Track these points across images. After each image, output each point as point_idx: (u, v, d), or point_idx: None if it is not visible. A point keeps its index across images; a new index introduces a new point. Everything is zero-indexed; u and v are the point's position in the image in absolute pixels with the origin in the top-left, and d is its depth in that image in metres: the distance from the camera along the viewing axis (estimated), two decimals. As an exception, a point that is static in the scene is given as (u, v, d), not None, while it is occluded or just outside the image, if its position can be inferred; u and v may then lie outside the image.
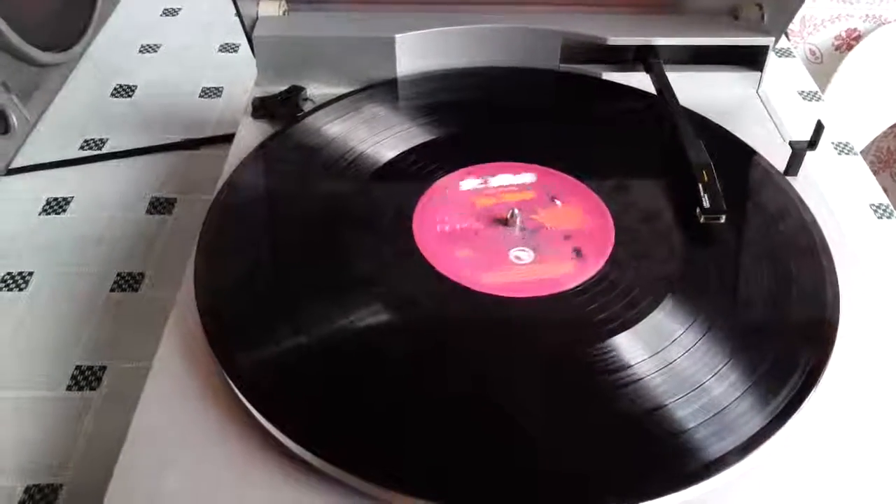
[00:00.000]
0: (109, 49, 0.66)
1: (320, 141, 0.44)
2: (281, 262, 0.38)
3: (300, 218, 0.39)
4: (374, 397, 0.31)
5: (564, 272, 0.36)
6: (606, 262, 0.36)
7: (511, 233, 0.38)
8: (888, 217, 0.51)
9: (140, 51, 0.67)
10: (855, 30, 0.80)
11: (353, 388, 0.32)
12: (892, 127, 0.83)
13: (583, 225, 0.38)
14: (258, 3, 0.49)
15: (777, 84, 0.62)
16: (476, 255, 0.37)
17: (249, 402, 0.31)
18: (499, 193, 0.40)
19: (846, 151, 0.56)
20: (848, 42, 0.80)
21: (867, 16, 0.79)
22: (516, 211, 0.38)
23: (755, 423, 0.30)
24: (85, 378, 0.41)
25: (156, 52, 0.67)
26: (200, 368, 0.33)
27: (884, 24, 0.79)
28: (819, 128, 0.42)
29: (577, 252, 0.37)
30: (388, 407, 0.31)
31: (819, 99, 0.61)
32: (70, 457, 0.38)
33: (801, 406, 0.31)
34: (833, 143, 0.57)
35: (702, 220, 0.38)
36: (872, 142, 0.84)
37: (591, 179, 0.41)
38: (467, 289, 0.35)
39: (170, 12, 0.72)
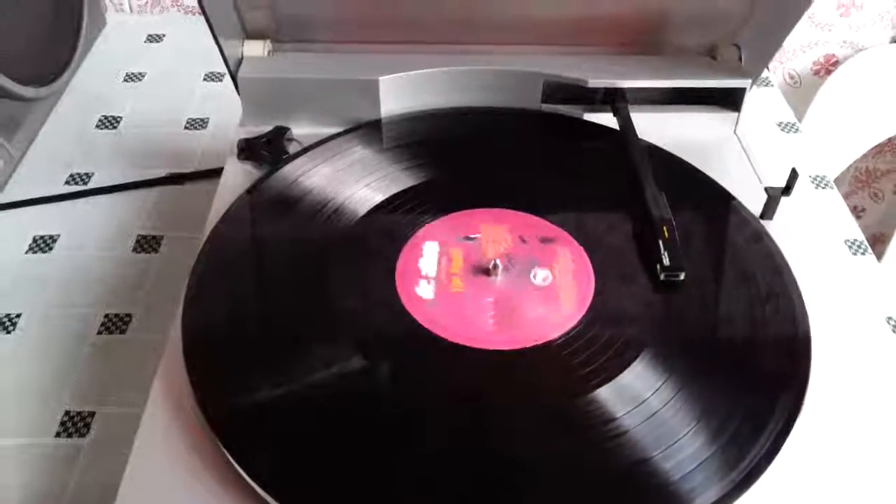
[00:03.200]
0: (94, 78, 0.67)
1: (303, 188, 0.44)
2: (265, 314, 0.38)
3: (283, 269, 0.40)
4: (351, 453, 0.32)
5: (558, 314, 0.37)
6: (587, 311, 0.37)
7: (493, 283, 0.39)
8: (862, 254, 0.52)
9: (125, 79, 0.67)
10: (833, 55, 0.81)
11: (336, 445, 0.32)
12: (871, 149, 0.85)
13: (565, 274, 0.39)
14: (243, 44, 0.50)
15: (756, 115, 0.64)
16: (459, 307, 0.37)
17: (234, 460, 0.31)
18: (482, 243, 0.41)
19: (822, 185, 0.57)
20: (826, 67, 0.82)
21: (844, 42, 0.80)
22: (498, 262, 0.39)
23: (730, 479, 0.31)
24: (74, 424, 0.41)
25: (140, 80, 0.67)
26: (189, 423, 0.33)
27: (860, 50, 0.80)
28: (794, 175, 0.43)
29: (563, 291, 0.38)
30: (366, 462, 0.32)
31: (797, 130, 0.63)
32: (59, 506, 0.38)
33: (778, 455, 0.32)
34: (810, 176, 0.58)
35: (662, 277, 0.38)
36: (852, 164, 0.85)
37: (570, 227, 0.42)
38: (450, 342, 0.36)
39: (154, 38, 0.72)
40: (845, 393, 0.35)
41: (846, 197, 0.94)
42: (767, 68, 0.65)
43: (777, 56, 0.81)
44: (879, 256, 0.82)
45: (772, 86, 0.67)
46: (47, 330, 0.47)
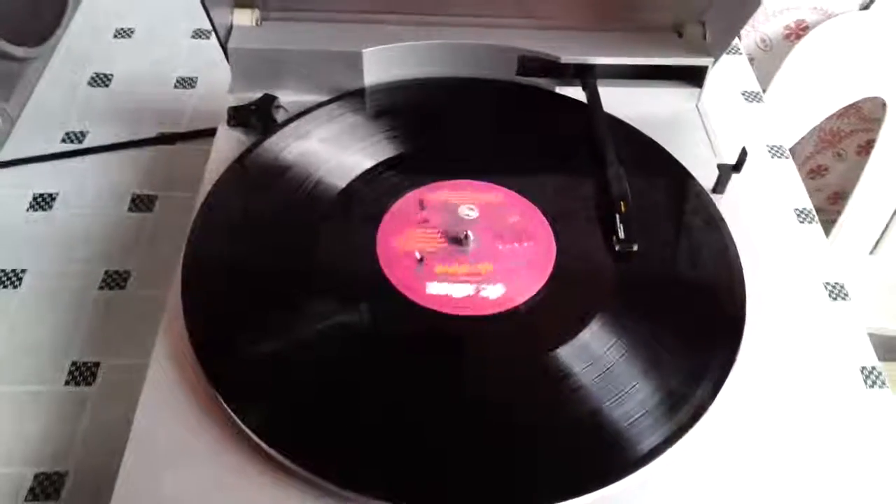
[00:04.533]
0: (84, 35, 0.68)
1: (291, 155, 0.47)
2: (258, 276, 0.42)
3: (273, 233, 0.43)
4: (341, 404, 0.36)
5: (523, 280, 0.41)
6: (554, 264, 0.41)
7: (464, 252, 0.42)
8: (809, 222, 0.56)
9: (115, 35, 0.69)
10: (803, 21, 0.84)
11: (327, 397, 0.37)
12: (836, 111, 0.88)
13: (529, 243, 0.43)
14: (232, 13, 0.52)
15: (721, 84, 0.67)
16: (443, 280, 0.41)
17: (231, 408, 0.35)
18: (449, 212, 0.44)
19: (779, 155, 0.61)
20: (797, 32, 0.84)
21: (815, 8, 0.83)
22: (470, 233, 0.42)
23: (672, 423, 0.36)
24: (81, 373, 0.45)
25: (130, 37, 0.69)
26: (190, 374, 0.37)
27: (831, 16, 0.83)
28: (743, 153, 0.46)
29: (528, 261, 0.42)
30: (355, 412, 0.36)
31: (760, 100, 0.66)
32: (71, 447, 0.43)
33: (713, 404, 0.37)
34: (768, 146, 0.62)
35: (617, 248, 0.42)
36: (818, 125, 0.89)
37: (535, 197, 0.45)
38: (415, 303, 0.40)
39: (142, -8, 0.74)
40: (776, 348, 0.40)
41: (811, 156, 0.98)
42: (738, 36, 0.68)
43: (749, 21, 0.84)
44: (839, 214, 0.87)
45: (740, 54, 0.70)
46: (51, 285, 0.50)
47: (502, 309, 0.40)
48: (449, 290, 0.41)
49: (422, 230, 0.43)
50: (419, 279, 0.41)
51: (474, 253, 0.42)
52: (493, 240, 0.43)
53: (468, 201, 0.45)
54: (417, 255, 0.42)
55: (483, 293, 0.41)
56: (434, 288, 0.41)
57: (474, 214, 0.44)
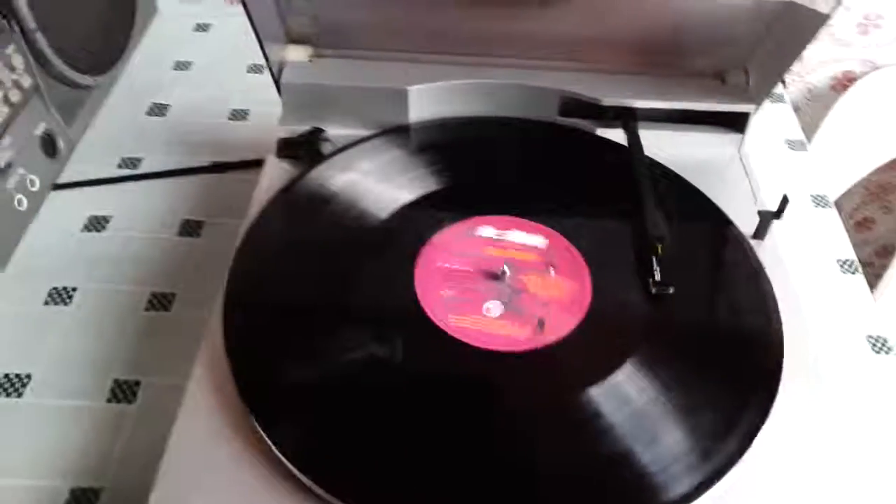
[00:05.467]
0: (145, 66, 0.71)
1: (335, 186, 0.49)
2: (296, 302, 0.43)
3: (315, 262, 0.44)
4: (376, 435, 0.37)
5: (519, 335, 0.40)
6: (563, 338, 0.41)
7: (496, 287, 0.43)
8: (852, 273, 0.55)
9: (173, 68, 0.72)
10: (851, 72, 0.83)
11: (353, 424, 0.37)
12: (883, 163, 0.87)
13: (562, 299, 0.43)
14: (286, 49, 0.54)
15: (766, 132, 0.67)
16: (456, 296, 0.42)
17: (266, 434, 0.36)
18: (504, 248, 0.45)
19: (822, 205, 0.61)
20: (843, 83, 0.84)
21: (863, 60, 0.82)
22: (506, 268, 0.43)
23: (702, 472, 0.35)
24: (122, 391, 0.47)
25: (188, 69, 0.72)
26: (226, 398, 0.38)
27: (878, 68, 0.82)
28: (784, 200, 0.46)
29: (541, 324, 0.41)
30: (391, 444, 0.36)
31: (804, 149, 0.66)
32: (109, 463, 0.44)
33: (746, 453, 0.36)
34: (812, 195, 0.61)
35: (653, 291, 0.42)
36: (865, 176, 0.88)
37: (572, 236, 0.46)
38: (436, 327, 0.40)
39: (202, 27, 0.77)
40: (813, 400, 0.39)
41: (857, 208, 0.97)
42: (783, 83, 0.68)
43: (797, 70, 0.84)
44: (886, 267, 0.85)
45: (785, 102, 0.70)
46: (99, 304, 0.52)
47: (536, 346, 0.40)
48: (483, 325, 0.41)
49: (459, 264, 0.44)
50: (455, 313, 0.41)
51: (510, 289, 0.43)
52: (530, 277, 0.43)
53: (505, 238, 0.46)
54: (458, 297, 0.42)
55: (518, 330, 0.41)
56: (468, 322, 0.41)
57: (512, 250, 0.45)
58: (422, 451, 0.36)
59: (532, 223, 0.46)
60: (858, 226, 0.98)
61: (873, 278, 0.84)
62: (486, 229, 0.46)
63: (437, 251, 0.45)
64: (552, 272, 0.44)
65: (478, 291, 0.42)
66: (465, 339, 0.40)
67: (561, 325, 0.41)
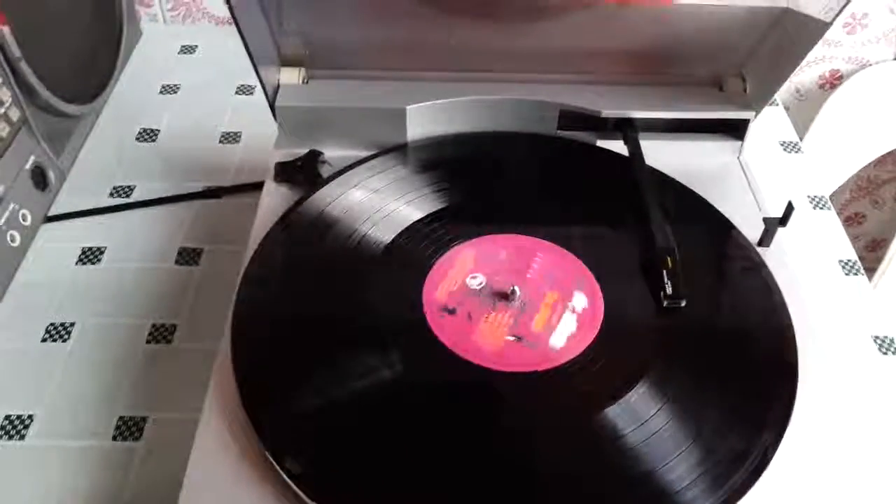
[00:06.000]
0: (132, 90, 0.70)
1: (336, 210, 0.48)
2: (305, 331, 0.42)
3: (320, 289, 0.44)
4: (392, 464, 0.36)
5: (532, 354, 0.40)
6: (577, 357, 0.40)
7: (509, 307, 0.42)
8: (855, 273, 0.56)
9: (161, 91, 0.71)
10: (838, 70, 0.84)
11: (370, 453, 0.37)
12: (873, 159, 0.88)
13: (576, 298, 0.43)
14: (279, 72, 0.53)
15: (760, 135, 0.67)
16: (465, 317, 0.41)
17: (282, 468, 0.35)
18: (501, 269, 0.44)
19: (820, 206, 0.61)
20: (831, 81, 0.85)
21: (849, 58, 0.83)
22: (516, 289, 0.43)
23: (723, 491, 0.35)
24: (128, 428, 0.46)
25: (176, 92, 0.71)
26: (240, 432, 0.37)
27: (865, 66, 0.83)
28: (790, 207, 0.46)
29: (576, 318, 0.41)
30: (406, 473, 0.36)
31: (798, 150, 0.66)
32: (119, 503, 0.43)
33: (766, 470, 0.36)
34: (809, 197, 0.61)
35: (665, 304, 0.42)
36: (855, 172, 0.88)
37: (580, 251, 0.45)
38: (460, 358, 0.40)
39: (187, 49, 0.76)
40: (830, 410, 0.39)
41: (848, 203, 0.98)
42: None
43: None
44: (878, 262, 0.86)
45: (777, 105, 0.70)
46: (98, 339, 0.51)
47: (550, 366, 0.40)
48: (495, 346, 0.40)
49: (468, 284, 0.43)
50: (465, 334, 0.41)
51: (520, 308, 0.42)
52: (540, 295, 0.43)
53: (512, 255, 0.45)
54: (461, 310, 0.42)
55: (529, 349, 0.40)
56: (480, 343, 0.41)
57: (523, 269, 0.44)
58: (443, 476, 0.36)
59: (539, 240, 0.46)
60: (849, 221, 0.99)
61: (867, 272, 0.85)
62: (493, 249, 0.45)
63: (444, 272, 0.44)
64: (563, 297, 0.43)
65: (487, 311, 0.42)
66: (477, 361, 0.40)
67: (575, 343, 0.41)
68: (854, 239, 1.00)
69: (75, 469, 0.44)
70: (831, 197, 0.95)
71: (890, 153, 0.88)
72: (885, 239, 0.92)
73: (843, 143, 0.83)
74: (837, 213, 0.60)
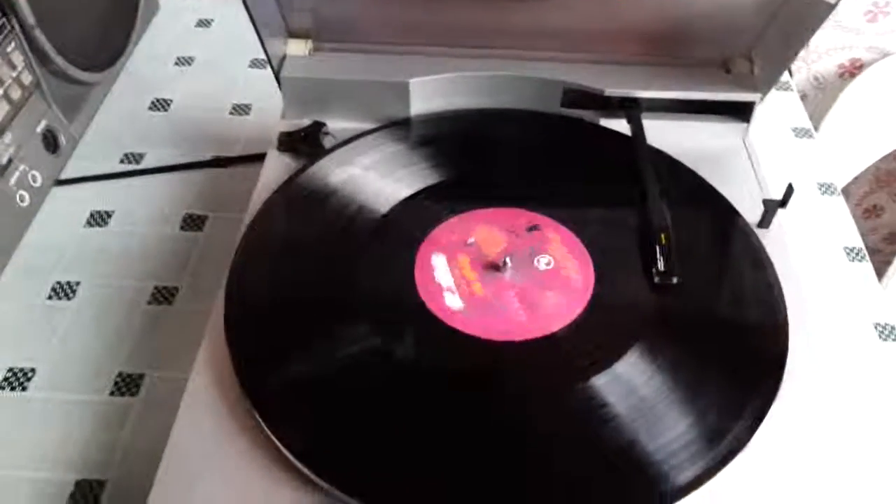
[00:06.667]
0: (147, 62, 0.71)
1: (336, 180, 0.48)
2: (297, 296, 0.43)
3: (315, 256, 0.44)
4: (374, 426, 0.37)
5: (563, 308, 0.41)
6: (566, 327, 0.41)
7: (505, 278, 0.43)
8: (860, 260, 0.55)
9: (175, 63, 0.72)
10: (858, 59, 0.82)
11: (352, 415, 0.37)
12: (892, 151, 0.86)
13: (569, 271, 0.43)
14: (286, 43, 0.54)
15: (772, 120, 0.66)
16: (481, 307, 0.41)
17: (267, 426, 0.36)
18: (487, 241, 0.45)
19: (829, 193, 0.60)
20: (851, 70, 0.83)
21: (870, 47, 0.81)
22: (508, 259, 0.43)
23: (712, 456, 0.35)
24: (126, 384, 0.47)
25: (190, 64, 0.72)
26: (228, 390, 0.38)
27: (886, 55, 0.81)
28: (790, 189, 0.46)
29: (568, 286, 0.42)
30: (389, 435, 0.36)
31: (811, 137, 0.65)
32: (114, 456, 0.44)
33: (745, 447, 0.36)
34: (818, 183, 0.61)
35: (656, 280, 0.42)
36: (873, 164, 0.87)
37: (576, 227, 0.45)
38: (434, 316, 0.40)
39: (203, 23, 0.77)
40: (820, 387, 0.39)
41: (866, 196, 0.96)
42: (790, 72, 0.67)
43: (803, 57, 0.83)
44: (892, 255, 0.85)
45: (791, 90, 0.69)
46: (103, 298, 0.52)
47: (539, 335, 0.40)
48: (486, 316, 0.41)
49: (461, 256, 0.44)
50: (457, 304, 0.41)
51: (512, 279, 0.43)
52: (532, 267, 0.43)
53: (509, 229, 0.45)
54: (452, 285, 0.42)
55: (520, 319, 0.41)
56: (471, 313, 0.41)
57: (512, 242, 0.44)
58: (425, 441, 0.36)
59: (534, 214, 0.46)
60: (867, 213, 0.97)
61: (882, 265, 0.84)
62: (486, 223, 0.46)
63: (439, 244, 0.44)
64: (556, 269, 0.44)
65: (480, 282, 0.42)
66: (469, 331, 0.40)
67: (565, 313, 0.41)
68: (872, 231, 0.99)
69: (73, 421, 0.45)
70: (849, 189, 0.94)
71: (910, 145, 0.87)
72: (904, 233, 0.91)
73: (861, 133, 0.82)
74: (855, 206, 0.59)
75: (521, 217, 0.46)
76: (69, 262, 0.54)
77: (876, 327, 0.51)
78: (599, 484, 0.35)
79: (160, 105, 0.67)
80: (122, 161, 0.62)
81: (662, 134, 0.51)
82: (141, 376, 0.47)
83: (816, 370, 0.39)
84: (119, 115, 0.66)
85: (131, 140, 0.64)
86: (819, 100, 0.84)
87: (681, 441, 0.36)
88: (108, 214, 0.57)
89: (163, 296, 0.52)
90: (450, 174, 0.49)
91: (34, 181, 0.56)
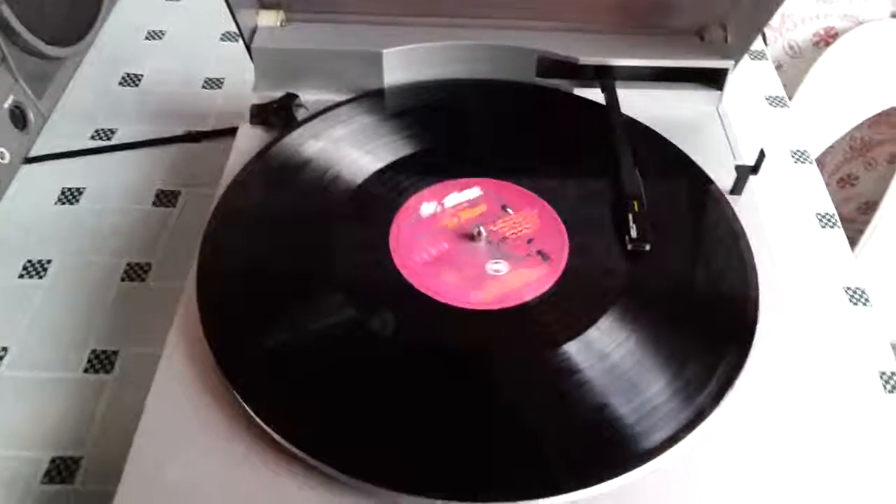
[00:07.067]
0: (117, 36, 0.70)
1: (309, 152, 0.48)
2: (271, 269, 0.43)
3: (288, 228, 0.44)
4: (347, 395, 0.37)
5: (538, 276, 0.41)
6: (540, 295, 0.41)
7: (479, 247, 0.43)
8: (831, 227, 0.55)
9: (146, 37, 0.70)
10: (833, 28, 0.83)
11: (326, 385, 0.37)
12: (867, 119, 0.87)
13: (542, 240, 0.43)
14: (257, 14, 0.53)
15: (746, 88, 0.66)
16: (456, 276, 0.41)
17: (241, 397, 0.36)
18: (460, 211, 0.45)
19: (802, 160, 0.60)
20: (826, 39, 0.83)
21: (845, 15, 0.82)
22: (482, 229, 0.43)
23: (682, 418, 0.36)
24: (100, 361, 0.47)
25: (160, 38, 0.70)
26: (201, 362, 0.38)
27: (861, 23, 0.82)
28: (761, 155, 0.46)
29: (543, 255, 0.42)
30: (361, 403, 0.37)
31: (785, 105, 0.65)
32: (89, 432, 0.43)
33: (715, 410, 0.36)
34: (791, 151, 0.61)
35: (629, 247, 0.42)
36: (848, 133, 0.87)
37: (549, 195, 0.45)
38: (443, 303, 0.40)
39: (174, -4, 0.75)
40: (790, 350, 0.39)
41: (841, 165, 0.97)
42: (764, 40, 0.67)
43: (778, 26, 0.83)
44: (866, 224, 0.86)
45: (765, 59, 0.70)
46: (75, 276, 0.51)
47: (514, 304, 0.40)
48: (460, 285, 0.41)
49: (436, 225, 0.44)
50: (431, 274, 0.41)
51: (487, 249, 0.43)
52: (506, 236, 0.43)
53: (482, 199, 0.45)
54: (431, 252, 0.42)
55: (495, 288, 0.41)
56: (446, 283, 0.41)
57: (486, 212, 0.44)
58: (400, 409, 0.36)
59: (506, 183, 0.46)
60: (841, 182, 0.98)
61: (856, 234, 0.85)
62: (458, 193, 0.46)
63: (412, 216, 0.44)
64: (510, 212, 0.44)
65: (455, 253, 0.42)
66: (438, 298, 0.40)
67: (540, 281, 0.41)
68: (846, 201, 1.00)
69: (47, 398, 0.45)
70: (824, 158, 0.95)
71: (884, 113, 0.87)
72: (877, 201, 0.91)
73: (836, 101, 0.82)
74: (830, 175, 0.60)
75: (496, 187, 0.46)
76: (40, 239, 0.53)
77: (846, 291, 0.52)
78: (571, 447, 0.35)
79: (131, 80, 0.66)
80: (92, 137, 0.61)
81: (636, 102, 0.51)
82: (115, 353, 0.47)
83: (787, 334, 0.40)
84: (89, 91, 0.65)
85: (102, 116, 0.63)
86: (794, 69, 0.84)
87: (652, 403, 0.36)
88: (80, 191, 0.57)
89: (136, 272, 0.52)
90: (424, 145, 0.49)
91: (2, 158, 0.55)
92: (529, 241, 0.43)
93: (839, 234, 0.55)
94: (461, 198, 0.45)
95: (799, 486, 0.35)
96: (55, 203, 0.56)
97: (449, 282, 0.41)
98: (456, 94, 0.53)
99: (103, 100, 0.64)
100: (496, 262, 0.42)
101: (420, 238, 0.43)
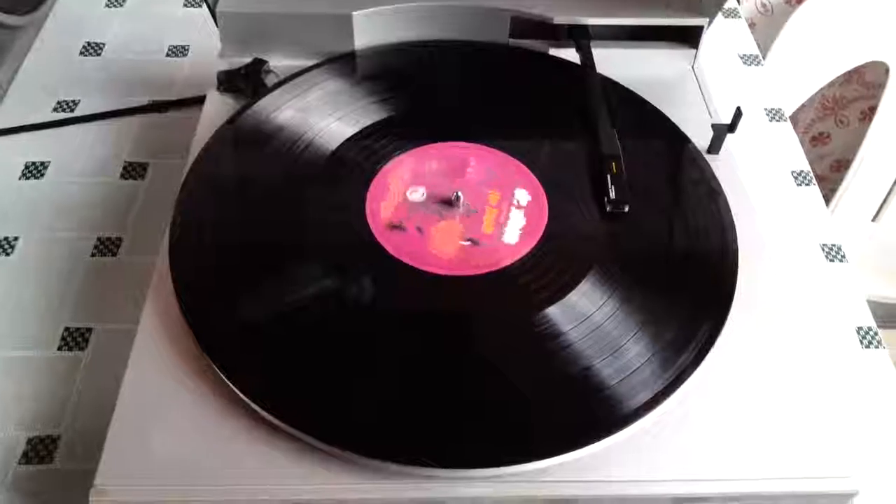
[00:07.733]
0: (76, 4, 0.68)
1: (278, 120, 0.47)
2: (244, 239, 0.42)
3: (260, 197, 0.43)
4: (322, 363, 0.36)
5: (517, 240, 0.41)
6: (521, 258, 0.40)
7: (457, 212, 0.42)
8: (807, 185, 0.56)
9: (106, 4, 0.68)
10: (804, -16, 0.82)
11: (307, 357, 0.37)
12: (839, 77, 0.87)
13: (521, 203, 0.43)
14: (221, -24, 0.51)
15: (719, 47, 0.66)
16: (434, 242, 0.41)
17: (218, 367, 0.35)
18: (438, 176, 0.44)
19: (777, 118, 0.60)
20: (798, -5, 0.83)
21: (817, -29, 0.81)
22: (460, 193, 0.42)
23: (661, 382, 0.36)
24: (74, 339, 0.46)
25: (122, 5, 0.68)
26: (177, 333, 0.37)
27: (833, -21, 0.81)
28: (738, 113, 0.46)
29: (521, 218, 0.42)
30: (339, 372, 0.36)
31: (759, 63, 0.65)
32: (65, 411, 0.43)
33: (697, 369, 0.36)
34: (766, 109, 0.61)
35: (608, 209, 0.42)
36: (819, 91, 0.88)
37: (527, 158, 0.45)
38: (422, 270, 0.40)
39: (134, -40, 0.73)
40: (769, 308, 0.40)
41: (813, 123, 0.97)
42: (738, 0, 0.67)
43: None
44: (841, 181, 0.86)
45: (739, 17, 0.69)
46: (44, 252, 0.50)
47: (494, 269, 0.40)
48: (439, 251, 0.40)
49: (412, 191, 0.43)
50: (409, 240, 0.41)
51: (464, 214, 0.42)
52: (485, 200, 0.43)
53: (459, 163, 0.45)
54: (407, 223, 0.42)
55: (475, 253, 0.40)
56: (423, 249, 0.40)
57: (463, 176, 0.44)
58: (380, 375, 0.36)
59: (483, 147, 0.46)
60: (814, 140, 0.99)
61: (829, 192, 0.85)
62: (435, 158, 0.45)
63: (386, 185, 0.44)
64: (505, 191, 0.43)
65: (435, 220, 0.42)
66: (416, 264, 0.40)
67: (520, 245, 0.41)
68: (819, 159, 1.00)
69: (21, 378, 0.44)
70: (797, 116, 0.95)
71: (856, 71, 0.88)
72: (849, 159, 0.92)
73: (808, 59, 0.82)
74: (803, 134, 0.60)
75: (473, 151, 0.45)
76: (6, 215, 0.52)
77: (822, 248, 0.52)
78: (554, 409, 0.35)
79: (92, 49, 0.64)
80: (54, 109, 0.59)
81: (612, 62, 0.50)
82: (89, 330, 0.46)
83: (766, 291, 0.40)
84: (49, 61, 0.63)
85: (63, 87, 0.61)
86: (766, 27, 0.84)
87: (633, 365, 0.36)
88: (45, 165, 0.55)
89: (106, 247, 0.50)
90: (398, 109, 0.48)
91: (-40, 132, 0.53)
92: (508, 205, 0.42)
93: (814, 191, 0.55)
94: (438, 163, 0.45)
95: (780, 443, 0.35)
96: (20, 178, 0.54)
97: (426, 248, 0.40)
98: (431, 56, 0.52)
99: (64, 70, 0.62)
100: (474, 227, 0.41)
101: (398, 203, 0.42)
